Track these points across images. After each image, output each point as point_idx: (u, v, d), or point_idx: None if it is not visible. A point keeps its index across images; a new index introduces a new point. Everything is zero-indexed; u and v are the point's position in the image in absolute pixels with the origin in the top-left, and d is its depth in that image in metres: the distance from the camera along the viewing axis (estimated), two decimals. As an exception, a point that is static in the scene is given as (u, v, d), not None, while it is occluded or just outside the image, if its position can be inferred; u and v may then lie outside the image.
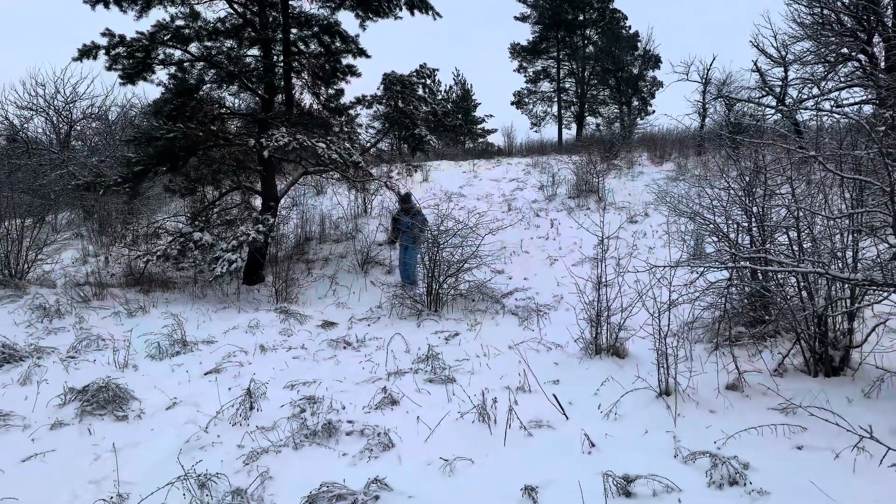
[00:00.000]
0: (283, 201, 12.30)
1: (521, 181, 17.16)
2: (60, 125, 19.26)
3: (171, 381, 6.08)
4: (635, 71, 32.39)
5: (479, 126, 35.78)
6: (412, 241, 9.81)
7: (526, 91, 34.25)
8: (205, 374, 6.34)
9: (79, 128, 19.69)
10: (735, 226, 6.46)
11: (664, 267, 5.47)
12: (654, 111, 32.94)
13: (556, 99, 33.73)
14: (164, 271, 10.97)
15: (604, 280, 6.35)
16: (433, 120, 14.33)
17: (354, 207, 14.48)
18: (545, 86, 34.26)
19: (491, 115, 35.86)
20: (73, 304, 9.05)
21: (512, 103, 34.33)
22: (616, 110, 33.64)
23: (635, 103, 33.09)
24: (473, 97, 35.80)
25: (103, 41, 9.92)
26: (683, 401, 4.86)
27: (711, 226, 6.63)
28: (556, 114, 33.77)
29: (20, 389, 5.94)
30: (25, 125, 19.75)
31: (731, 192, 6.49)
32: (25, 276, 10.41)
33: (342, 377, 6.11)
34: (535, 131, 33.95)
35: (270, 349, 7.20)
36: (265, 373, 6.26)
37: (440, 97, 33.57)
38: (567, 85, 34.10)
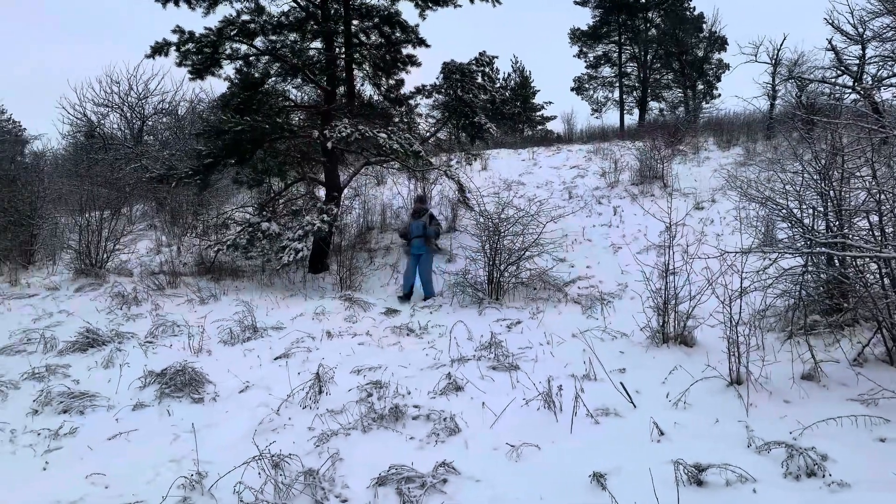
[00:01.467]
0: (345, 191, 12.51)
1: (582, 168, 16.93)
2: (134, 121, 20.11)
3: (243, 366, 6.30)
4: (700, 53, 31.41)
5: (537, 113, 35.42)
6: (426, 248, 9.51)
7: (586, 77, 33.71)
8: (275, 359, 6.55)
9: (150, 123, 20.51)
10: (810, 210, 6.21)
11: (736, 253, 5.32)
12: (719, 95, 31.91)
13: (617, 84, 33.07)
14: (234, 260, 11.32)
15: (671, 267, 6.22)
16: (491, 108, 14.28)
17: (414, 197, 14.56)
18: (606, 71, 33.66)
19: (550, 102, 35.48)
20: (149, 291, 9.47)
21: (572, 89, 33.86)
22: (680, 94, 32.72)
23: (700, 87, 32.10)
24: (532, 84, 35.46)
25: (174, 38, 10.31)
26: (756, 390, 4.73)
27: (784, 211, 6.40)
28: (617, 99, 33.14)
29: (104, 372, 6.28)
30: (102, 121, 20.69)
31: (806, 175, 6.24)
32: (105, 265, 10.93)
33: (406, 363, 6.20)
34: (596, 117, 33.43)
35: (336, 335, 7.37)
36: (332, 358, 6.40)
37: (498, 85, 33.33)
38: (629, 69, 33.38)
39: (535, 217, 9.08)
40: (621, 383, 4.88)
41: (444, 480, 3.72)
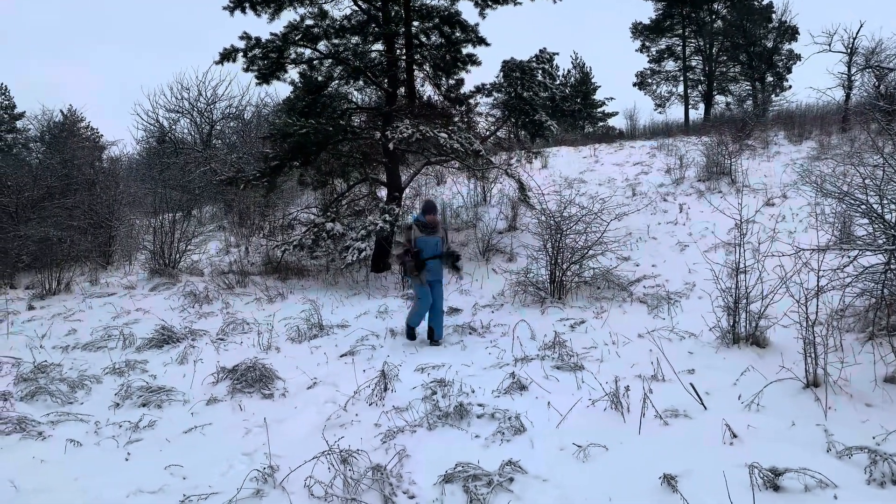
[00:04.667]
0: (406, 191, 12.63)
1: (646, 165, 16.59)
2: (203, 125, 20.84)
3: (310, 363, 6.44)
4: (769, 44, 30.25)
5: (598, 110, 34.92)
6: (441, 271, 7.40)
7: (649, 71, 32.97)
8: (341, 356, 6.67)
9: (219, 127, 21.20)
10: (892, 206, 5.90)
11: (813, 250, 5.11)
12: (790, 87, 30.65)
13: (681, 78, 32.22)
14: (300, 260, 11.58)
15: (742, 266, 6.02)
16: (551, 106, 14.16)
17: (474, 196, 14.60)
18: (670, 65, 32.83)
19: (611, 98, 34.90)
20: (220, 290, 9.80)
21: (634, 85, 33.18)
22: (748, 87, 31.62)
23: (770, 79, 30.92)
24: (593, 80, 34.98)
25: (241, 44, 10.62)
26: (835, 393, 4.54)
27: (863, 206, 6.10)
28: (681, 94, 32.29)
29: (179, 368, 6.53)
30: (173, 126, 21.53)
31: (887, 168, 5.93)
32: (177, 265, 11.38)
33: (469, 362, 6.22)
34: (660, 112, 32.66)
35: (399, 333, 7.45)
36: (396, 356, 6.49)
37: (558, 82, 33.02)
38: (693, 63, 32.47)
39: (598, 215, 8.95)
40: (691, 384, 4.76)
41: (511, 479, 3.71)
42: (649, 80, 33.14)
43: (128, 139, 67.27)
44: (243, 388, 5.78)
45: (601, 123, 33.96)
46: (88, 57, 78.15)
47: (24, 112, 28.24)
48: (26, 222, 12.16)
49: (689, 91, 32.13)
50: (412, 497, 3.68)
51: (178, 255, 11.55)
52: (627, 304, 8.02)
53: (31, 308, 9.49)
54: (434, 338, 7.23)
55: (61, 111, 27.64)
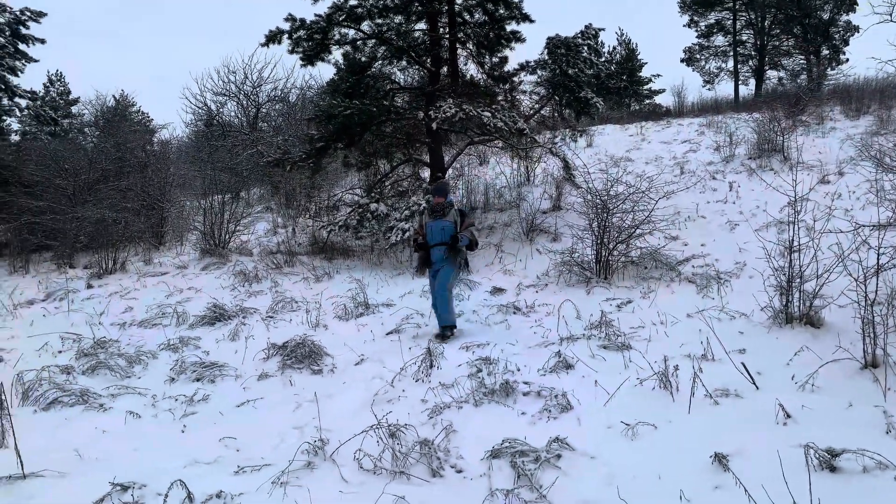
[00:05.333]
0: (449, 172, 12.61)
1: (694, 142, 16.20)
2: (249, 108, 21.13)
3: (357, 340, 6.54)
4: (825, 16, 29.03)
5: (645, 87, 34.16)
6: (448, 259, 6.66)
7: (697, 47, 32.06)
8: (387, 334, 6.75)
9: (265, 110, 21.48)
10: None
11: (872, 227, 4.93)
12: (847, 60, 29.42)
13: (731, 53, 31.24)
14: (345, 240, 11.71)
15: (796, 244, 5.85)
16: (596, 83, 13.91)
17: (517, 176, 14.50)
18: (719, 40, 31.84)
19: (658, 75, 34.05)
20: (268, 270, 10.00)
21: (682, 61, 32.35)
22: (802, 61, 30.48)
23: (825, 52, 29.73)
24: (639, 57, 34.19)
25: (286, 26, 10.71)
26: (895, 374, 4.39)
27: (928, 182, 5.86)
28: (731, 69, 31.35)
29: (231, 344, 6.71)
30: (221, 110, 21.91)
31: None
32: (227, 245, 11.64)
33: (514, 340, 6.22)
34: (709, 89, 31.80)
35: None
36: (441, 335, 6.53)
37: (603, 59, 32.37)
38: (744, 37, 31.42)
39: (646, 193, 8.80)
40: (742, 364, 4.66)
41: (558, 456, 3.71)
42: (698, 56, 32.25)
43: (177, 123, 68.96)
44: (293, 363, 5.91)
45: (647, 101, 33.20)
46: (138, 41, 79.93)
47: (79, 98, 29.10)
48: (83, 204, 12.57)
49: (739, 66, 31.15)
50: (460, 471, 3.72)
51: (227, 236, 11.81)
52: (675, 283, 7.89)
53: (89, 287, 9.84)
54: (441, 324, 6.52)
55: (114, 96, 28.46)
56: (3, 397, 4.42)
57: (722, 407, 4.25)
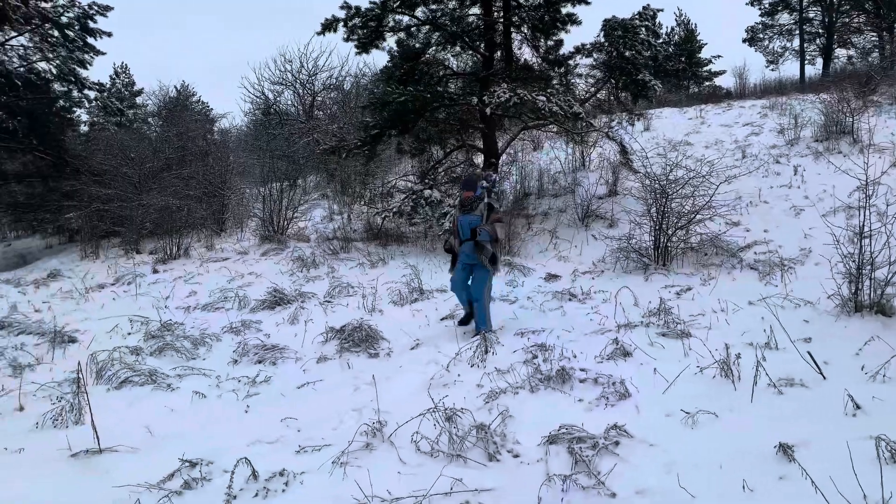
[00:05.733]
0: (502, 157, 12.55)
1: (757, 125, 15.67)
2: (305, 97, 21.46)
3: (412, 325, 6.61)
4: (900, -11, 27.52)
5: (704, 69, 33.12)
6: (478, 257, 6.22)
7: (761, 25, 30.86)
8: (441, 320, 6.80)
9: (320, 98, 21.78)
10: None
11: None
12: (925, 35, 27.84)
13: (797, 31, 29.93)
14: (399, 226, 11.81)
15: (867, 230, 5.61)
16: (654, 65, 13.57)
17: (572, 161, 14.32)
18: (784, 17, 30.52)
19: (718, 56, 33.06)
20: (325, 255, 10.19)
21: (744, 41, 31.19)
22: (874, 38, 28.98)
23: (900, 28, 28.23)
24: (698, 38, 33.14)
25: (341, 14, 10.82)
26: (974, 366, 4.19)
27: None
28: (796, 48, 30.05)
29: (290, 328, 6.88)
30: (278, 98, 22.32)
31: None
32: (285, 231, 11.89)
33: (570, 327, 6.17)
34: (772, 70, 30.61)
35: (498, 299, 7.48)
36: (494, 320, 6.52)
37: (661, 41, 31.51)
38: (811, 14, 30.05)
39: (706, 178, 8.56)
40: (808, 353, 4.52)
41: (617, 443, 3.68)
42: (761, 35, 31.04)
43: (236, 112, 70.60)
44: (350, 347, 6.03)
45: (707, 83, 32.21)
46: (196, 31, 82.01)
47: (143, 89, 30.11)
48: (148, 192, 13.05)
49: (805, 45, 29.85)
50: (516, 456, 3.73)
51: (285, 223, 12.08)
52: (737, 270, 7.68)
53: (155, 271, 10.23)
54: (476, 326, 6.24)
55: (175, 87, 29.30)
56: (81, 376, 4.65)
57: (786, 397, 4.13)
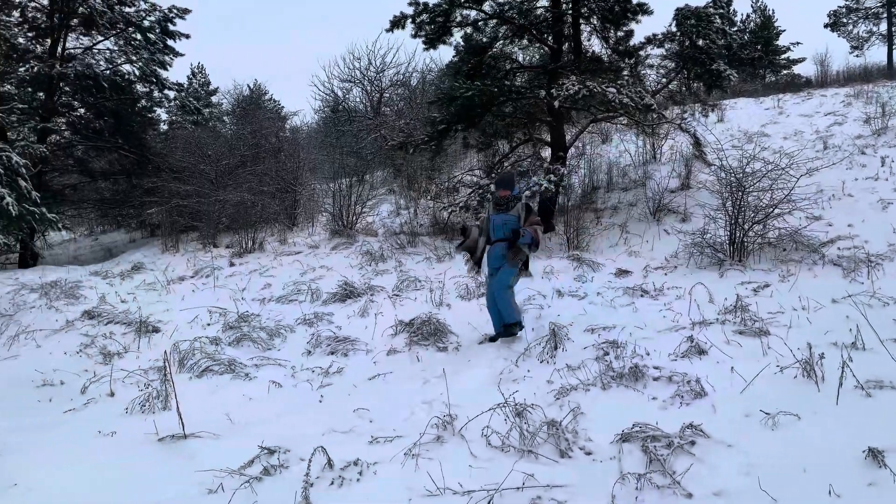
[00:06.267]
0: (570, 150, 12.39)
1: (840, 115, 14.93)
2: (373, 93, 21.76)
3: (480, 319, 6.62)
4: None
5: (782, 56, 31.72)
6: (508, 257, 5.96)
7: (844, 10, 29.35)
8: (509, 315, 6.78)
9: (387, 94, 22.03)
10: None
11: None
12: None
13: (884, 14, 28.34)
14: (465, 221, 11.83)
15: (965, 224, 5.28)
16: (728, 54, 13.11)
17: (643, 154, 14.01)
18: (870, 0, 28.90)
19: (797, 43, 31.45)
20: (393, 250, 10.33)
21: (826, 26, 29.74)
22: (970, 20, 27.16)
23: None
24: (775, 24, 31.76)
25: (409, 10, 10.89)
26: None
27: None
28: (884, 33, 28.45)
29: (360, 320, 7.02)
30: (346, 96, 22.72)
31: None
32: (354, 226, 12.12)
33: (642, 324, 6.06)
34: (857, 56, 29.06)
35: (567, 294, 7.42)
36: (565, 316, 6.47)
37: (736, 28, 30.36)
38: (900, -5, 28.40)
39: (785, 170, 8.22)
40: (900, 354, 4.30)
41: (692, 442, 3.59)
42: (844, 20, 29.53)
43: (307, 109, 72.24)
44: (419, 340, 6.11)
45: (785, 71, 30.85)
46: (268, 30, 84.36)
47: (218, 88, 31.21)
48: (224, 188, 13.54)
49: (893, 29, 28.18)
50: (589, 453, 3.70)
51: (354, 217, 12.31)
52: (818, 266, 7.36)
53: (231, 264, 10.61)
54: (504, 324, 5.88)
55: (248, 86, 30.18)
56: (167, 365, 4.88)
57: (875, 399, 3.94)
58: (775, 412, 3.80)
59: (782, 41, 31.70)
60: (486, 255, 6.21)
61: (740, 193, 7.96)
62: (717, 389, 4.32)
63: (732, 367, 4.56)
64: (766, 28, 31.69)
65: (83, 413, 4.85)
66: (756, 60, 29.83)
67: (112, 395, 5.20)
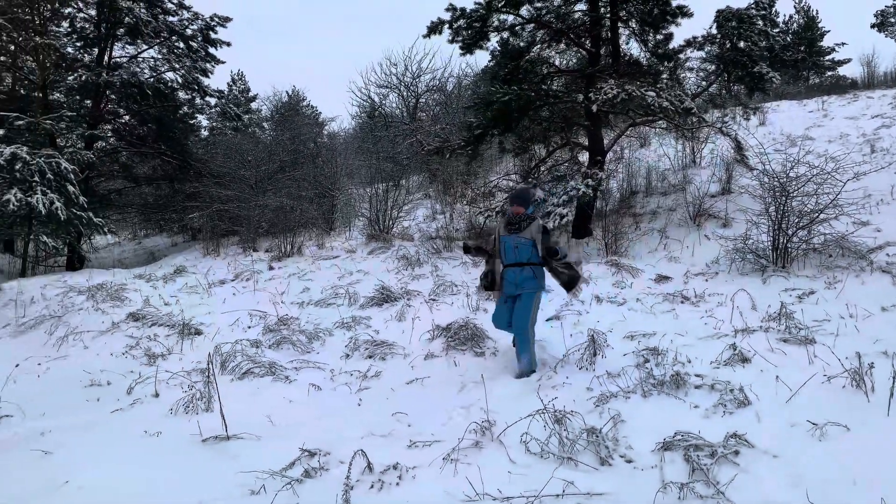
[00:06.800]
0: (608, 155, 12.28)
1: (888, 117, 14.53)
2: (409, 99, 21.89)
3: (517, 325, 6.59)
4: None
5: (826, 58, 30.97)
6: (532, 284, 5.41)
7: (892, 9, 28.47)
8: (546, 320, 6.75)
9: (423, 100, 22.15)
10: None
11: None
12: None
13: (934, 13, 27.46)
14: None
15: None
16: (769, 56, 12.84)
17: (682, 158, 13.81)
18: (919, -1, 28.05)
19: (843, 44, 30.70)
20: (429, 254, 10.35)
21: (872, 26, 28.86)
22: None
23: None
24: (819, 24, 31.04)
25: (447, 16, 10.93)
26: None
27: None
28: (935, 32, 27.54)
29: (398, 324, 7.06)
30: (383, 101, 22.90)
31: None
32: (391, 231, 12.19)
33: (683, 331, 5.97)
34: (905, 56, 28.14)
35: (606, 300, 7.35)
36: (604, 322, 6.42)
37: (778, 30, 29.73)
38: (952, -7, 27.46)
39: (831, 175, 8.01)
40: (955, 365, 4.16)
41: (737, 452, 3.53)
42: (892, 20, 28.63)
43: (344, 115, 73.06)
44: (456, 345, 6.12)
45: (829, 73, 30.10)
46: (305, 36, 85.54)
47: (257, 94, 31.74)
48: (263, 193, 13.75)
49: (945, 28, 27.32)
50: (629, 461, 3.66)
51: (390, 222, 12.39)
52: (866, 273, 7.14)
53: (270, 268, 10.76)
54: (520, 364, 5.35)
55: (286, 92, 30.67)
56: (210, 367, 4.98)
57: (929, 411, 3.82)
58: (823, 423, 3.71)
59: (826, 42, 30.98)
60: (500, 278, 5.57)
61: (784, 198, 7.79)
62: (762, 398, 4.23)
63: (777, 376, 4.46)
64: (809, 29, 30.99)
65: (129, 413, 4.97)
66: (799, 62, 29.17)
67: (157, 395, 5.32)
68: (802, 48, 30.21)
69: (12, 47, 14.02)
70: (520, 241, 5.40)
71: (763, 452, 3.55)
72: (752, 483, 3.27)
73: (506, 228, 5.53)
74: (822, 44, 30.98)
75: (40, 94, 14.19)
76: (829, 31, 31.01)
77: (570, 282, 5.47)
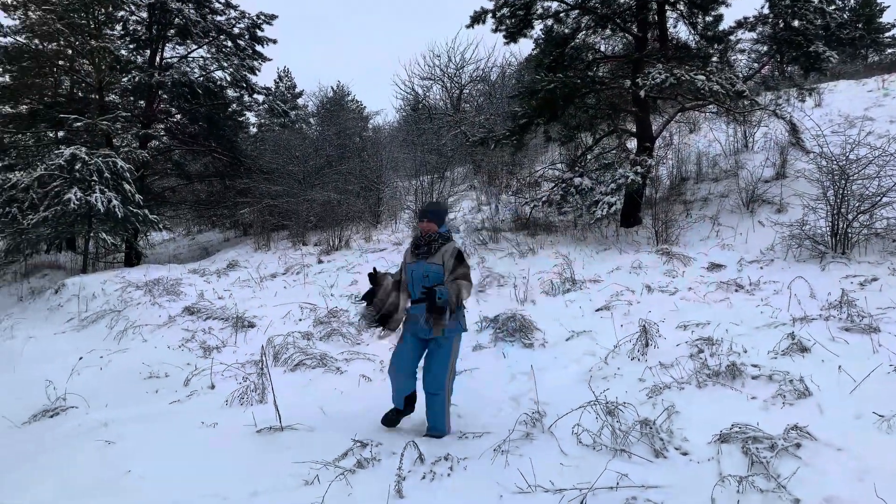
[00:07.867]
0: (657, 141, 12.02)
1: (956, 94, 13.83)
2: (453, 90, 21.82)
3: (565, 315, 6.55)
4: None
5: (886, 35, 29.68)
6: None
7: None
8: (596, 311, 6.67)
9: (467, 91, 22.04)
10: None
11: None
12: None
13: None
14: (547, 216, 11.70)
15: None
16: (825, 34, 12.35)
17: (734, 143, 13.42)
18: None
19: (904, 19, 29.35)
20: (475, 246, 10.33)
21: (936, -1, 27.53)
22: None
23: None
24: (878, 0, 29.72)
25: (490, 5, 10.85)
26: None
27: None
28: None
29: (445, 316, 7.06)
30: (427, 94, 22.91)
31: None
32: (440, 222, 12.22)
33: (738, 320, 5.81)
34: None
35: (657, 290, 7.22)
36: (655, 312, 6.30)
37: (833, 7, 28.55)
38: None
39: (895, 156, 7.68)
40: None
41: (798, 445, 3.42)
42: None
43: (388, 108, 73.49)
44: (504, 336, 6.10)
45: (890, 50, 28.83)
46: (349, 30, 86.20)
47: (303, 90, 32.20)
48: (311, 187, 13.94)
49: None
50: (685, 454, 3.59)
51: (436, 214, 12.40)
52: (934, 259, 6.85)
53: (319, 262, 10.91)
54: (430, 426, 4.30)
55: (332, 87, 30.96)
56: (264, 359, 5.08)
57: None
58: (890, 415, 3.57)
59: (886, 18, 29.68)
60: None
61: (843, 182, 7.49)
62: (823, 389, 4.09)
63: (840, 366, 4.31)
64: (867, 5, 29.73)
65: (187, 404, 5.12)
66: (857, 40, 28.00)
67: (213, 387, 5.46)
68: (860, 25, 28.97)
69: (70, 51, 14.50)
70: (430, 270, 4.25)
71: (826, 445, 3.43)
72: (815, 477, 3.18)
73: (413, 254, 4.41)
74: (881, 20, 29.68)
75: (97, 96, 14.68)
76: (888, 7, 29.74)
77: (443, 308, 4.09)
